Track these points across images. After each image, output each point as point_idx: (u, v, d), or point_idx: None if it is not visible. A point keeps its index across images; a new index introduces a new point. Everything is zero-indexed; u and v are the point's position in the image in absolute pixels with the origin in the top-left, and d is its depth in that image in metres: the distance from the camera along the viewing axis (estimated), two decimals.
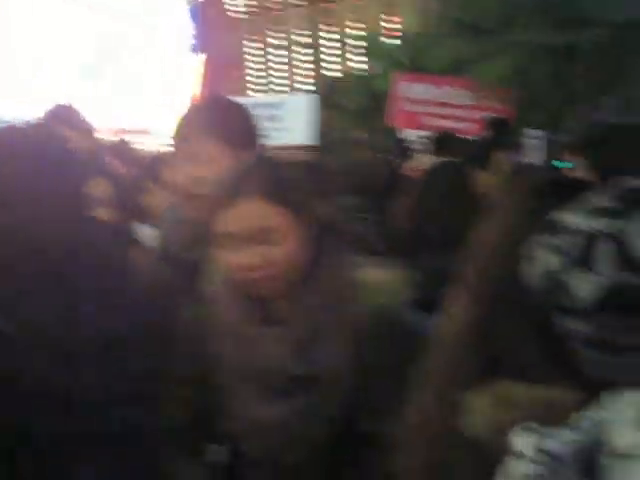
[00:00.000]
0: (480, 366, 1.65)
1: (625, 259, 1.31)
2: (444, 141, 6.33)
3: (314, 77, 22.60)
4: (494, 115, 8.13)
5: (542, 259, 1.38)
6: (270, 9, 25.07)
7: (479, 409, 1.60)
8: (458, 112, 10.20)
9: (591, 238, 1.34)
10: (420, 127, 9.79)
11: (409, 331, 2.13)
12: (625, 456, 1.25)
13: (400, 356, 2.05)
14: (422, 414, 1.75)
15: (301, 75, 23.69)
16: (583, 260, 1.34)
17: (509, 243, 1.67)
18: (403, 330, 2.16)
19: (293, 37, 24.66)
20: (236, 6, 25.61)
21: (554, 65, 9.81)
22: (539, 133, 9.43)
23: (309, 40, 24.03)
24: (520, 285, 1.57)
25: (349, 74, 20.05)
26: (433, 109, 10.36)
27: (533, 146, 9.12)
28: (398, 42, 16.83)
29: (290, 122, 11.81)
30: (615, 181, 1.40)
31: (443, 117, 10.21)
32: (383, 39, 17.64)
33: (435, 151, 6.12)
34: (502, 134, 6.46)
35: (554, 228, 1.39)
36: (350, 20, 22.37)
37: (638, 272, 1.30)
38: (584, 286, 1.32)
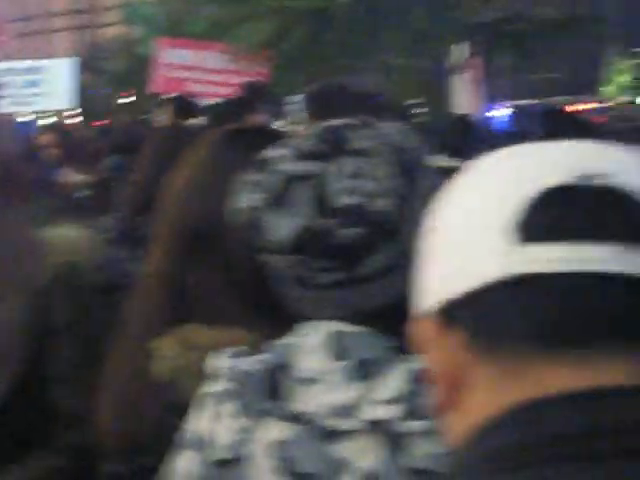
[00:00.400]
0: (173, 313, 1.68)
1: (321, 202, 1.32)
2: (183, 104, 6.43)
3: (76, 42, 22.10)
4: (250, 79, 8.26)
5: (245, 197, 1.38)
6: None
7: (167, 354, 1.63)
8: (218, 77, 10.25)
9: (291, 179, 1.34)
10: (181, 92, 9.77)
11: (99, 289, 2.05)
12: (308, 380, 1.32)
13: (87, 317, 1.99)
14: (118, 363, 1.77)
15: (63, 40, 23.13)
16: (281, 200, 1.34)
17: (197, 191, 1.70)
18: (92, 289, 2.06)
19: (54, 2, 24.04)
20: None
21: (310, 29, 10.00)
22: (300, 97, 9.58)
23: (71, 5, 23.47)
24: (217, 230, 1.61)
25: (111, 38, 19.80)
26: (194, 74, 10.35)
27: (295, 110, 9.27)
28: (157, 8, 16.69)
29: (50, 87, 11.56)
30: (320, 124, 1.41)
31: (204, 82, 10.23)
32: (143, 4, 17.43)
33: (176, 114, 6.18)
34: (257, 97, 6.60)
35: (261, 167, 1.38)
36: None
37: (333, 216, 1.31)
38: (281, 227, 1.33)
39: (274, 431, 1.32)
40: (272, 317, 1.47)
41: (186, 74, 10.35)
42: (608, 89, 30.85)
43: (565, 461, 0.73)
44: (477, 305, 0.79)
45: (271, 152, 1.40)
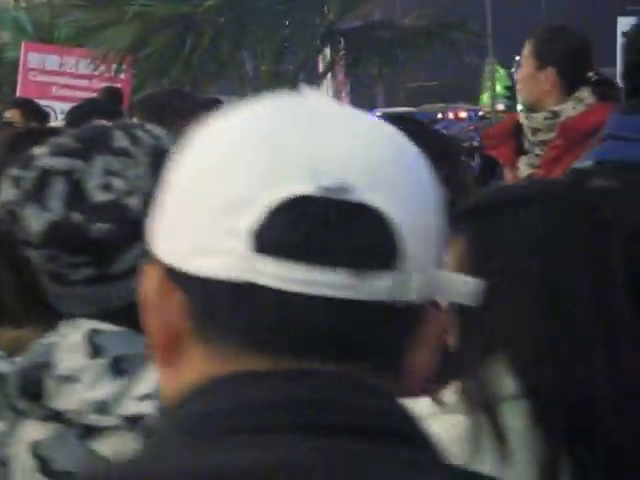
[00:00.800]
0: None
1: (75, 198, 1.34)
2: (29, 107, 6.37)
3: None
4: (107, 84, 8.24)
5: (4, 191, 1.39)
6: None
7: None
8: (82, 82, 10.18)
9: (47, 174, 1.36)
10: (49, 97, 9.69)
11: None
12: (67, 378, 1.33)
13: None
14: None
15: None
16: (37, 195, 1.35)
17: None
18: None
19: None
20: None
21: (174, 35, 9.96)
22: None
23: None
24: None
25: None
26: (58, 79, 10.26)
27: None
28: (24, 12, 16.45)
29: None
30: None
31: (68, 87, 10.14)
32: (11, 9, 17.14)
33: (25, 117, 6.12)
34: (114, 102, 6.58)
35: (23, 163, 1.40)
36: None
37: (85, 211, 1.34)
38: (34, 220, 1.34)
39: (34, 431, 1.32)
40: (52, 315, 1.46)
41: (51, 79, 10.24)
42: (484, 97, 31.48)
43: (238, 432, 0.76)
44: (202, 289, 0.79)
45: (35, 149, 1.41)
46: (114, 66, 9.83)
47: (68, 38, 11.86)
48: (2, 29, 17.00)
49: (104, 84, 9.20)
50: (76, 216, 1.33)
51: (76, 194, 1.34)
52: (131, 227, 1.34)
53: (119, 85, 8.78)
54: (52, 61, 10.39)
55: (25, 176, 1.37)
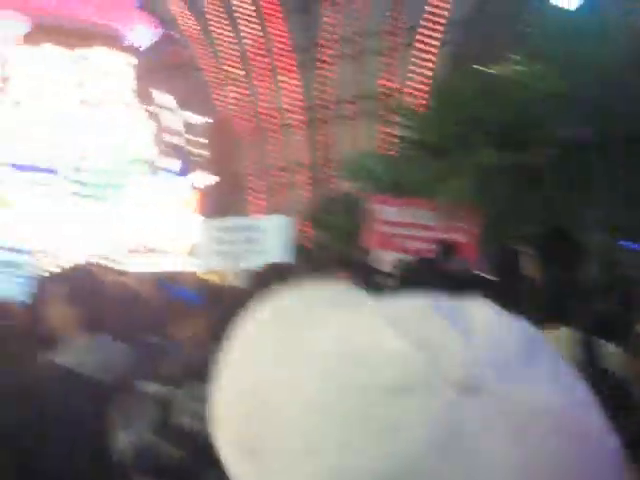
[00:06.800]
0: None
1: None
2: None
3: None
4: (443, 239, 8.12)
5: None
6: None
7: None
8: (424, 233, 9.97)
9: None
10: (392, 249, 9.62)
11: None
12: None
13: None
14: None
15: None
16: None
17: None
18: None
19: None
20: None
21: (510, 184, 9.63)
22: None
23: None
24: None
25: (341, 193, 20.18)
26: (402, 231, 10.11)
27: None
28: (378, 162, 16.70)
29: (265, 243, 11.63)
30: None
31: (411, 238, 9.97)
32: (364, 158, 17.47)
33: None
34: (445, 257, 6.50)
35: None
36: None
37: None
38: None
39: None
40: None
41: (395, 230, 10.12)
42: None
43: None
44: None
45: None
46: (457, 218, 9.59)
47: (412, 188, 11.78)
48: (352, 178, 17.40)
49: (444, 235, 9.03)
50: None
51: None
52: None
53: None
54: (395, 213, 10.27)
55: None
